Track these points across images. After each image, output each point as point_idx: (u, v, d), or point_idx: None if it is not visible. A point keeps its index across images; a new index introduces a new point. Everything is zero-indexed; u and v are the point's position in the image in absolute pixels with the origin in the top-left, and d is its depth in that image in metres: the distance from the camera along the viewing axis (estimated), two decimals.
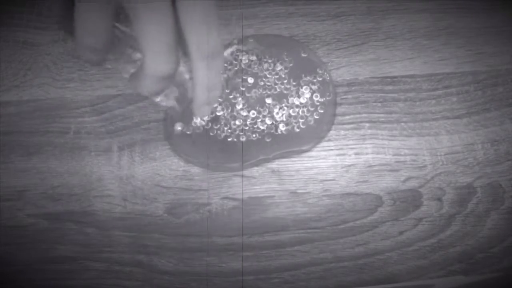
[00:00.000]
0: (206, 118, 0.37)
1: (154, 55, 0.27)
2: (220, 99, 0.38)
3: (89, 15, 0.27)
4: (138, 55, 0.31)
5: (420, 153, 0.38)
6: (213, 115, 0.37)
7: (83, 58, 0.30)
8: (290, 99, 0.38)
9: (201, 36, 0.27)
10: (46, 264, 0.35)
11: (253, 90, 0.38)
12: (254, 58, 0.39)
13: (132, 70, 0.31)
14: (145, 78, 0.28)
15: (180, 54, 0.29)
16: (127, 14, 0.27)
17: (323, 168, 0.37)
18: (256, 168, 0.37)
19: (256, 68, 0.38)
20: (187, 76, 0.33)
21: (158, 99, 0.34)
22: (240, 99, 0.38)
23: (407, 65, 0.40)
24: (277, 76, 0.38)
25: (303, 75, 0.38)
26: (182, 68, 0.31)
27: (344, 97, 0.39)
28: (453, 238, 0.36)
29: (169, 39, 0.27)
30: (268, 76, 0.38)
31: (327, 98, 0.38)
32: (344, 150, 0.38)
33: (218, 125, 0.37)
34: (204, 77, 0.29)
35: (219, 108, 0.37)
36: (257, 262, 0.36)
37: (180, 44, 0.28)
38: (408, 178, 0.37)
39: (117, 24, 0.29)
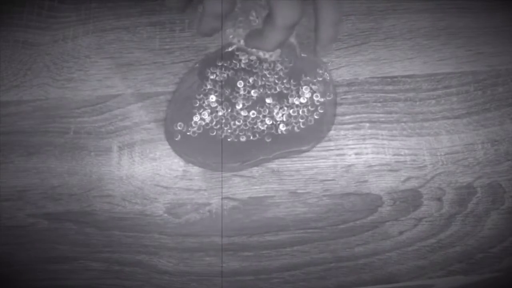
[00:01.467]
0: (327, 55, 0.38)
1: (282, 4, 0.28)
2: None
3: None
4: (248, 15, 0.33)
5: (420, 153, 0.38)
6: None
7: (206, 29, 0.31)
8: (290, 99, 0.38)
9: None
10: (46, 264, 0.35)
11: (253, 90, 0.38)
12: (254, 57, 0.39)
13: (242, 32, 0.33)
14: (272, 31, 0.29)
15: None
16: None
17: (323, 168, 0.37)
18: (256, 168, 0.37)
19: (256, 68, 0.38)
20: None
21: (267, 55, 0.36)
22: (240, 99, 0.38)
23: (407, 65, 0.40)
24: (277, 76, 0.38)
25: (303, 75, 0.38)
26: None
27: (344, 97, 0.39)
28: (453, 238, 0.36)
29: None
30: (268, 76, 0.38)
31: (327, 98, 0.38)
32: (344, 150, 0.38)
33: (218, 125, 0.37)
34: (329, 13, 0.29)
35: (218, 108, 0.38)
36: (257, 262, 0.36)
37: None
38: (408, 178, 0.37)
39: None
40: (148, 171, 0.37)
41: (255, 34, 0.31)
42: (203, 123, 0.37)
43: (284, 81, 0.38)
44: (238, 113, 0.37)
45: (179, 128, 0.37)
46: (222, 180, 0.37)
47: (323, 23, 0.30)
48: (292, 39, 0.36)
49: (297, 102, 0.38)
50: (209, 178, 0.37)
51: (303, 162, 0.37)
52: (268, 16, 0.29)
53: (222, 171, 0.37)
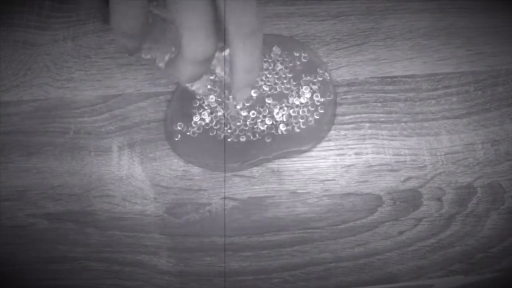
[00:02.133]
0: (244, 100, 0.37)
1: (192, 37, 0.26)
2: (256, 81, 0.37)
3: (124, 0, 0.27)
4: (174, 43, 0.31)
5: (420, 153, 0.38)
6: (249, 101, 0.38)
7: (119, 46, 0.29)
8: (290, 99, 0.38)
9: (239, 15, 0.26)
10: (46, 264, 0.35)
11: (253, 90, 0.38)
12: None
13: (167, 58, 0.31)
14: (183, 63, 0.28)
15: (218, 36, 0.28)
16: None
17: (323, 168, 0.37)
18: (256, 168, 0.37)
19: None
20: (219, 62, 0.33)
21: (194, 87, 0.35)
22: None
23: (407, 65, 0.40)
24: (277, 76, 0.38)
25: (303, 75, 0.38)
26: (217, 53, 0.31)
27: (344, 97, 0.39)
28: (453, 238, 0.36)
29: (206, 20, 0.26)
30: (268, 76, 0.38)
31: (328, 98, 0.38)
32: (344, 150, 0.38)
33: (218, 125, 0.37)
34: (243, 59, 0.28)
35: (218, 108, 0.38)
36: (257, 262, 0.36)
37: (218, 25, 0.27)
38: (408, 178, 0.37)
39: (153, 9, 0.29)
40: (148, 171, 0.37)
41: (172, 63, 0.29)
42: (203, 123, 0.37)
43: (285, 81, 0.38)
44: (238, 113, 0.37)
45: (179, 128, 0.37)
46: (224, 180, 0.37)
47: (237, 68, 0.29)
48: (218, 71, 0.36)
49: (297, 102, 0.38)
50: (209, 178, 0.37)
51: (303, 162, 0.37)
52: (179, 48, 0.27)
53: (225, 171, 0.37)
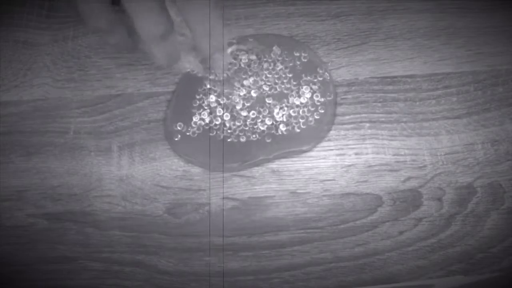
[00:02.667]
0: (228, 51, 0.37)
1: (141, 19, 0.27)
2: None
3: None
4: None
5: (420, 153, 0.38)
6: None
7: (116, 46, 0.31)
8: (291, 99, 0.38)
9: None
10: (46, 264, 0.35)
11: (253, 90, 0.38)
12: (254, 57, 0.39)
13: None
14: (151, 46, 0.29)
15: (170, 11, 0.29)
16: None
17: (323, 168, 0.37)
18: (256, 168, 0.37)
19: (255, 67, 0.38)
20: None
21: (189, 70, 0.36)
22: (239, 99, 0.38)
23: (407, 65, 0.40)
24: (277, 76, 0.38)
25: (303, 75, 0.38)
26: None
27: (344, 97, 0.39)
28: (453, 238, 0.36)
29: (151, 1, 0.27)
30: (268, 75, 0.38)
31: (328, 98, 0.38)
32: (344, 150, 0.38)
33: (218, 126, 0.37)
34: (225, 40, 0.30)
35: (219, 108, 0.38)
36: (257, 262, 0.36)
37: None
38: (408, 178, 0.37)
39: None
40: (148, 171, 0.37)
41: (150, 53, 0.30)
42: (203, 123, 0.37)
43: (285, 81, 0.38)
44: (238, 113, 0.37)
45: (179, 128, 0.37)
46: (223, 180, 0.37)
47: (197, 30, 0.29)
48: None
49: (297, 102, 0.38)
50: (209, 178, 0.37)
51: (303, 162, 0.37)
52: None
53: (223, 171, 0.37)
